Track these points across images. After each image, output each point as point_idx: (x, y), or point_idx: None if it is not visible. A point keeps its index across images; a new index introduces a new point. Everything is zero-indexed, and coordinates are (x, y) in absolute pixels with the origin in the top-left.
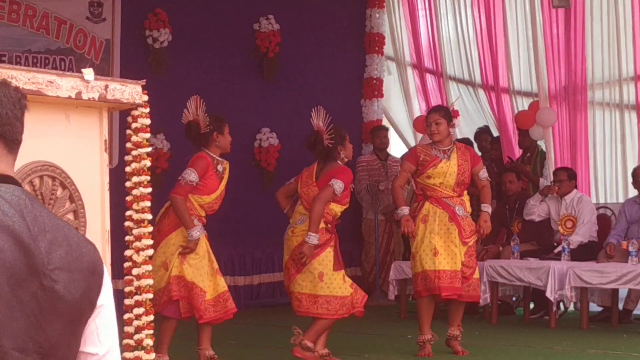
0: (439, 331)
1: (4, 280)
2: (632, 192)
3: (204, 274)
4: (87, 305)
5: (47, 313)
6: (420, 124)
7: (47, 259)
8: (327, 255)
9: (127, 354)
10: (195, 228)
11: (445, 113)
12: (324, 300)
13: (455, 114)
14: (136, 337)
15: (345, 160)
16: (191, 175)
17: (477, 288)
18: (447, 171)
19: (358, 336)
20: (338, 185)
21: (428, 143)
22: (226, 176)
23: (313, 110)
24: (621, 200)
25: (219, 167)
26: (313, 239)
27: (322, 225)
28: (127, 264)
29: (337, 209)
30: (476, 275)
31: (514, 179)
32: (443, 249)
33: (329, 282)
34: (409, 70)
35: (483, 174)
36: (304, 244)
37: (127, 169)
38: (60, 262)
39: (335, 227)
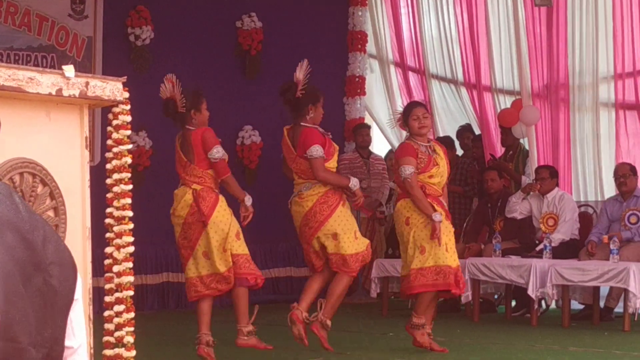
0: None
1: (18, 277)
2: (614, 191)
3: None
4: (71, 299)
5: (49, 308)
6: None
7: (44, 254)
8: (340, 215)
9: (108, 352)
10: (248, 195)
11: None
12: (338, 258)
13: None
14: (117, 334)
15: (311, 123)
16: (219, 151)
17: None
18: (443, 170)
19: (339, 333)
20: (316, 151)
21: (411, 140)
22: None
23: (300, 62)
24: (603, 198)
25: None
26: (354, 182)
27: (328, 187)
28: (107, 261)
29: (331, 165)
30: None
31: (496, 177)
32: (449, 246)
33: (341, 241)
34: (392, 68)
35: None
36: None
37: (108, 166)
38: (52, 257)
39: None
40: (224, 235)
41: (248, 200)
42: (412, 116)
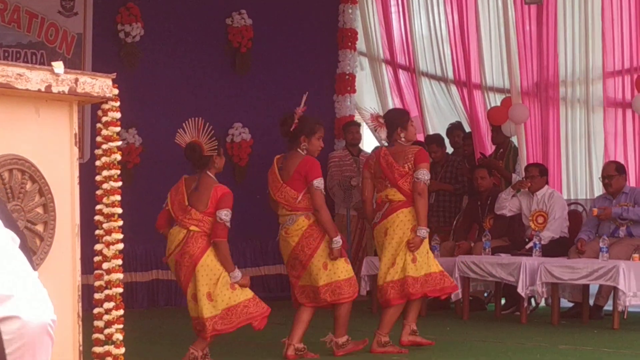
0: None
1: None
2: (603, 189)
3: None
4: None
5: None
6: None
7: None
8: (325, 248)
9: (97, 349)
10: (237, 270)
11: None
12: (335, 286)
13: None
14: (106, 331)
15: (305, 153)
16: (229, 215)
17: None
18: None
19: (330, 331)
20: (320, 183)
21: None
22: None
23: (303, 95)
24: (592, 196)
25: None
26: (337, 242)
27: (311, 220)
28: (97, 258)
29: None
30: None
31: (486, 175)
32: (429, 253)
33: (332, 268)
34: (382, 66)
35: None
36: (332, 250)
37: (98, 162)
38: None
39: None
40: (215, 281)
41: (238, 273)
42: (412, 122)
